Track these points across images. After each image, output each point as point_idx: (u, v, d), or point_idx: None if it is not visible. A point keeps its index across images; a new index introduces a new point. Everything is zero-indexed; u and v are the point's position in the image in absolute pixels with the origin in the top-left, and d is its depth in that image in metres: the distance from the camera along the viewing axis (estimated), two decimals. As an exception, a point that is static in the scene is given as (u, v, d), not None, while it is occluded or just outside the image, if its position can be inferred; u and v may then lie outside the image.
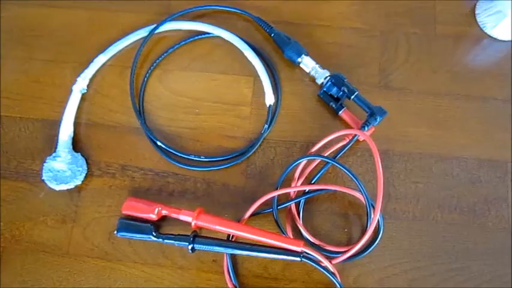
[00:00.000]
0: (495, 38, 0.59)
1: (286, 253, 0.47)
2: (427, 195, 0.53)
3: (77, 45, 0.62)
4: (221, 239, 0.49)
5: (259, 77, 0.57)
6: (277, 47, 0.59)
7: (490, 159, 0.54)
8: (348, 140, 0.52)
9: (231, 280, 0.50)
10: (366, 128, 0.51)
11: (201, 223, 0.50)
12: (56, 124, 0.57)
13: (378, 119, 0.51)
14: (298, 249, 0.47)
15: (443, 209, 0.52)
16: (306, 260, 0.46)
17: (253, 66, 0.58)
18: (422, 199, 0.52)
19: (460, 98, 0.56)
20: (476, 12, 0.60)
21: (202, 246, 0.49)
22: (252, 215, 0.51)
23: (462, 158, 0.54)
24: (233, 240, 0.50)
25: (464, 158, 0.54)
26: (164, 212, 0.51)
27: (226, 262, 0.50)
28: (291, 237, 0.50)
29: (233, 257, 0.51)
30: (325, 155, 0.52)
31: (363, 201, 0.49)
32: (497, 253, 0.50)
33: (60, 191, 0.54)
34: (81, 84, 0.58)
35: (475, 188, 0.53)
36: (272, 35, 0.59)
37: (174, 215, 0.51)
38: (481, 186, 0.53)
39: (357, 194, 0.50)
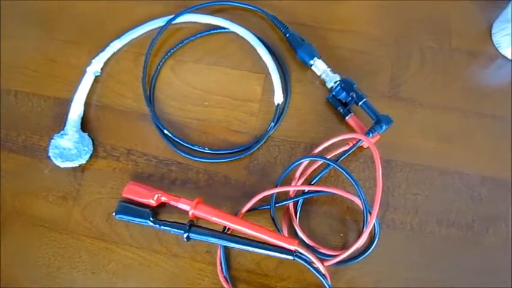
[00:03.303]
0: (509, 59, 0.59)
1: (280, 251, 0.47)
2: (426, 207, 0.52)
3: (95, 31, 0.63)
4: (217, 231, 0.50)
5: (270, 75, 0.58)
6: (291, 48, 0.59)
7: (493, 178, 0.53)
8: (351, 145, 0.52)
9: (223, 272, 0.50)
10: (371, 135, 0.51)
11: (198, 213, 0.50)
12: (67, 103, 0.58)
13: (384, 127, 0.51)
14: (292, 247, 0.47)
15: (441, 222, 0.52)
16: (298, 259, 0.47)
17: (265, 64, 0.58)
18: (421, 211, 0.52)
19: (469, 114, 0.56)
20: (493, 31, 0.60)
21: (197, 235, 0.49)
22: (250, 210, 0.51)
23: (465, 174, 0.54)
24: (228, 233, 0.51)
25: (467, 173, 0.54)
26: (163, 199, 0.52)
27: (219, 254, 0.51)
28: (286, 235, 0.50)
29: (227, 250, 0.51)
30: (328, 157, 0.52)
31: (361, 207, 0.49)
32: (493, 271, 0.50)
33: (64, 168, 0.55)
34: (95, 66, 0.59)
35: (475, 205, 0.52)
36: (287, 35, 0.59)
37: (173, 203, 0.52)
38: (482, 204, 0.52)
39: (356, 199, 0.50)
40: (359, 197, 0.49)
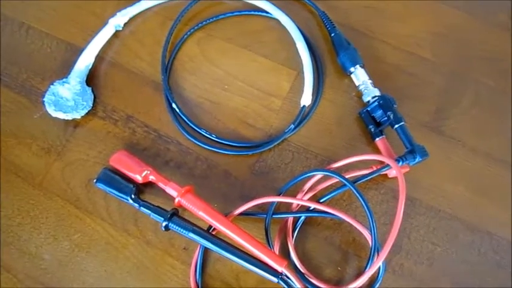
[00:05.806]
0: None
1: (265, 269, 0.41)
2: (443, 262, 0.45)
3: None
4: (200, 228, 0.43)
5: (303, 73, 0.52)
6: (333, 50, 0.53)
7: (528, 249, 0.46)
8: (375, 169, 0.45)
9: (195, 276, 0.44)
10: (400, 164, 0.44)
11: (185, 202, 0.44)
12: (80, 52, 0.53)
13: (417, 159, 0.44)
14: (279, 269, 0.40)
15: (455, 285, 0.44)
16: (283, 284, 0.40)
17: (301, 61, 0.52)
18: (436, 265, 0.45)
19: (514, 170, 0.49)
20: None
21: (177, 227, 0.43)
22: (243, 214, 0.45)
23: (496, 236, 0.46)
24: (213, 233, 0.44)
25: (498, 236, 0.46)
26: (151, 178, 0.46)
27: (197, 254, 0.44)
28: (276, 253, 0.44)
29: (206, 252, 0.45)
30: (346, 176, 0.45)
31: (369, 242, 0.42)
32: None
33: (56, 118, 0.49)
34: (118, 19, 0.54)
35: (500, 274, 0.45)
36: (332, 34, 0.53)
37: (161, 185, 0.46)
38: (508, 274, 0.45)
39: (366, 233, 0.43)
40: (370, 230, 0.42)
